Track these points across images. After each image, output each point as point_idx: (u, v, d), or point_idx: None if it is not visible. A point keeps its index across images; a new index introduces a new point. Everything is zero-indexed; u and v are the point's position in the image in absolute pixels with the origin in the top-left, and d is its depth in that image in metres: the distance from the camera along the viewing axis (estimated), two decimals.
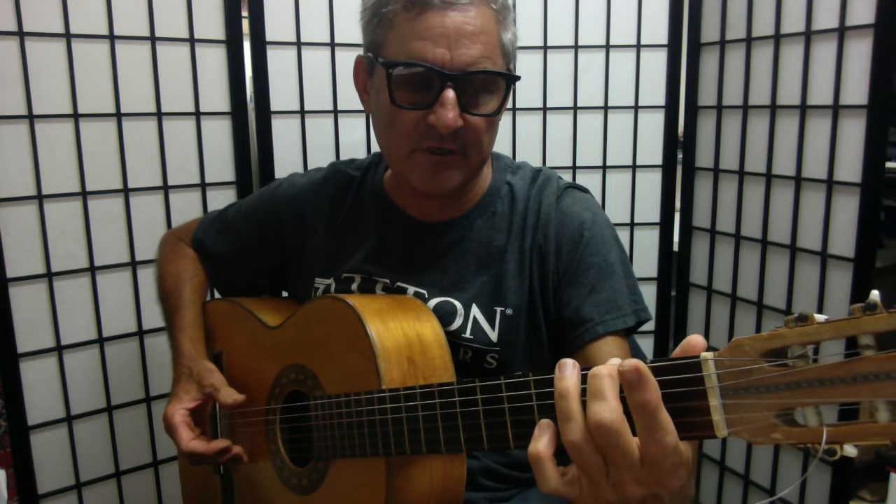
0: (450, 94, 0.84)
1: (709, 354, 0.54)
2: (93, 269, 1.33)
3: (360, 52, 1.48)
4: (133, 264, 1.37)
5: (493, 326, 0.94)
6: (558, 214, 0.96)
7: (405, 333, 0.85)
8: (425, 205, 1.00)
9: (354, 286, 1.00)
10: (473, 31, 0.85)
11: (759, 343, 0.52)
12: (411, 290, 0.97)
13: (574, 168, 1.62)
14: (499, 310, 0.95)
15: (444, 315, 0.94)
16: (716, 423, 0.54)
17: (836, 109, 1.32)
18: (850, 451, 0.50)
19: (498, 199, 1.00)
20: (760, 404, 0.52)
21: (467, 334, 0.94)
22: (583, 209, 0.97)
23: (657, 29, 1.58)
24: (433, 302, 0.95)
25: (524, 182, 1.01)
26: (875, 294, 0.49)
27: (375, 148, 1.51)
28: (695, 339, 0.55)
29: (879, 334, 0.48)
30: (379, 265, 1.00)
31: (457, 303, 0.95)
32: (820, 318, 0.51)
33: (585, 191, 1.03)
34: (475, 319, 0.94)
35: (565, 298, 0.93)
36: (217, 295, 1.24)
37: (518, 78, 0.91)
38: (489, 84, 0.88)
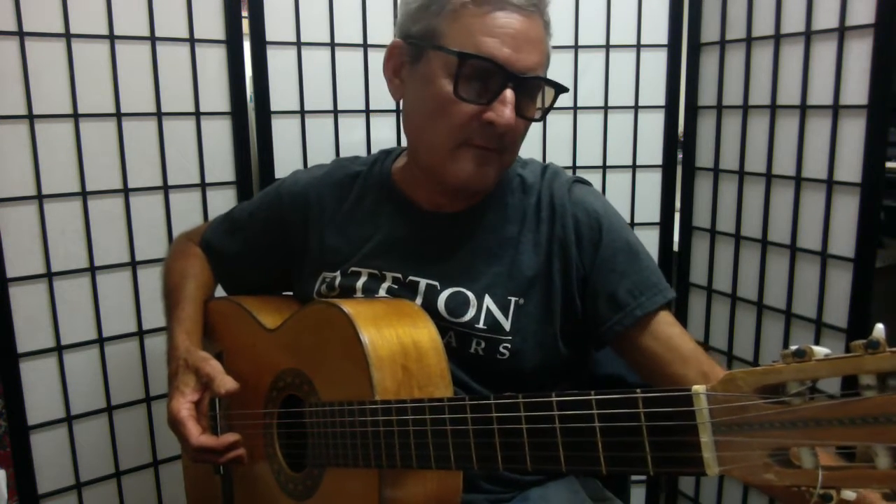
0: (510, 93, 0.86)
1: (701, 388, 0.53)
2: (93, 269, 1.33)
3: (360, 52, 1.49)
4: (133, 264, 1.37)
5: (506, 316, 0.94)
6: (572, 206, 0.97)
7: (400, 341, 0.84)
8: (438, 196, 0.99)
9: (360, 282, 0.99)
10: (535, 38, 0.88)
11: (753, 378, 0.50)
12: (423, 282, 0.96)
13: (574, 168, 1.62)
14: (512, 299, 0.95)
15: (458, 306, 0.94)
16: (706, 460, 0.52)
17: (836, 109, 1.32)
18: (848, 495, 0.47)
19: (509, 190, 1.00)
20: (754, 443, 0.50)
21: (481, 324, 0.94)
22: (594, 199, 0.99)
23: (657, 29, 1.58)
24: (446, 293, 0.95)
25: (535, 175, 1.02)
26: (879, 329, 0.46)
27: (375, 148, 1.52)
28: None
29: (882, 374, 0.45)
30: (389, 259, 0.99)
31: (469, 293, 0.95)
32: (819, 353, 0.48)
33: (590, 184, 1.05)
34: (488, 310, 0.94)
35: (598, 287, 0.95)
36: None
37: (566, 90, 0.94)
38: (540, 90, 0.91)
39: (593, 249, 0.95)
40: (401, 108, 1.00)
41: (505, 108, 0.86)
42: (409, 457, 0.75)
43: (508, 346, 0.94)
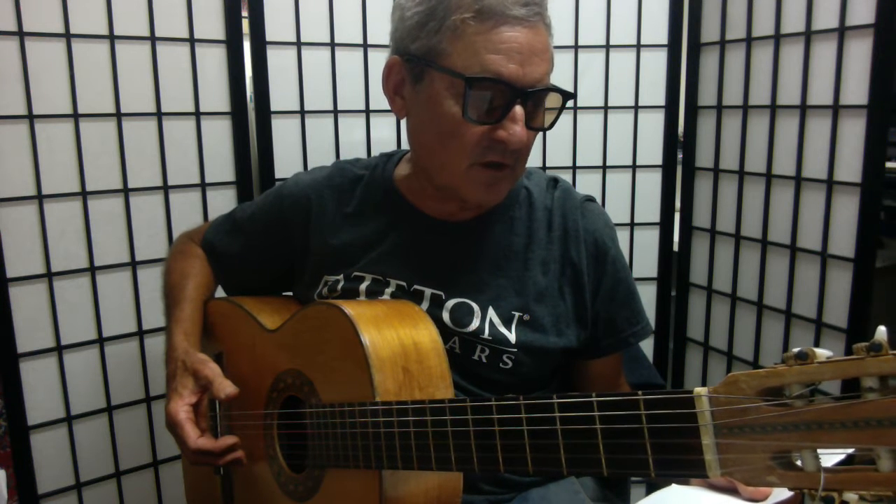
0: (519, 109, 0.85)
1: (703, 390, 0.52)
2: (93, 269, 1.33)
3: (360, 52, 1.49)
4: (133, 264, 1.37)
5: (510, 329, 0.95)
6: (585, 232, 1.00)
7: (401, 342, 0.84)
8: (444, 206, 0.99)
9: (364, 286, 0.99)
10: (541, 48, 0.87)
11: (755, 380, 0.50)
12: (429, 291, 0.97)
13: (574, 168, 1.62)
14: (516, 314, 0.96)
15: (462, 316, 0.95)
16: (708, 462, 0.52)
17: (836, 109, 1.32)
18: (850, 497, 0.47)
19: (516, 203, 1.01)
20: (756, 445, 0.50)
21: (486, 335, 0.94)
22: (603, 226, 1.02)
23: (657, 29, 1.58)
24: (451, 303, 0.95)
25: (540, 189, 1.03)
26: (882, 332, 0.46)
27: (376, 149, 1.52)
28: None
29: (884, 377, 0.45)
30: (394, 266, 0.99)
31: (474, 304, 0.95)
32: (821, 355, 0.48)
33: (596, 201, 1.06)
34: (492, 321, 0.95)
35: (601, 311, 1.00)
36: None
37: (574, 96, 0.94)
38: (549, 100, 0.91)
39: (598, 277, 1.00)
40: (405, 124, 0.99)
41: (515, 126, 0.85)
42: (409, 458, 0.75)
43: (512, 356, 0.95)
